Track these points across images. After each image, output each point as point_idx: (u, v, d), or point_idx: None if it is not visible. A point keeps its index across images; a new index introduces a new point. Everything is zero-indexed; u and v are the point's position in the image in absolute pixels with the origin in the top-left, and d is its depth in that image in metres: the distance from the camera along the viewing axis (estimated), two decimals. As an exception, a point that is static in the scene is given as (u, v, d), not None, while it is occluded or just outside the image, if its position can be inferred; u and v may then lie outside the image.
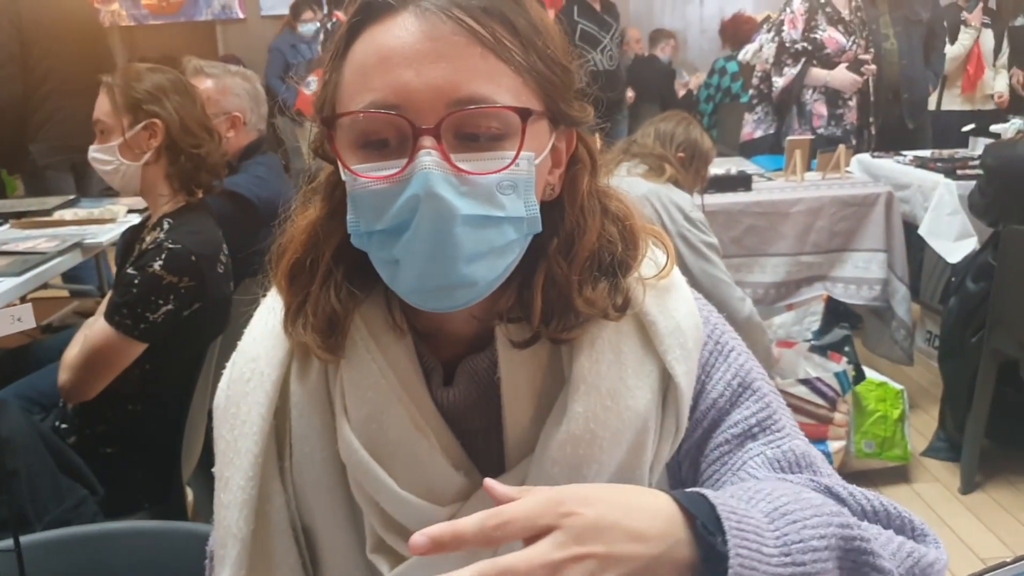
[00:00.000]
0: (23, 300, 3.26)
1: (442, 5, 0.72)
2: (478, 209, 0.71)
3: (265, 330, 0.87)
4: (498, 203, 0.72)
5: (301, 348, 0.83)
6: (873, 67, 4.13)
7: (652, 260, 0.85)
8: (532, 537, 0.62)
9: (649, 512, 0.64)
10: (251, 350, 0.87)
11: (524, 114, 0.72)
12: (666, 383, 0.82)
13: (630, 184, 2.55)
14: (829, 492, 0.76)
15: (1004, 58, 5.46)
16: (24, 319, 1.24)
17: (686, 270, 2.29)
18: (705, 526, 0.63)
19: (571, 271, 0.79)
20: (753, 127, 4.42)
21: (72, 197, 3.72)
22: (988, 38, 5.53)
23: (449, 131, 0.71)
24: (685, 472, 0.87)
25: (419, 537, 0.61)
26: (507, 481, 0.79)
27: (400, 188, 0.71)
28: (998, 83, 5.44)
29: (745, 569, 0.62)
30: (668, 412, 0.82)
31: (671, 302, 0.84)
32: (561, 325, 0.79)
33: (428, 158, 0.70)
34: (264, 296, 0.91)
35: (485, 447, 0.83)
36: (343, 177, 0.76)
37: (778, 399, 0.87)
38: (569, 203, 0.81)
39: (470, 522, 0.61)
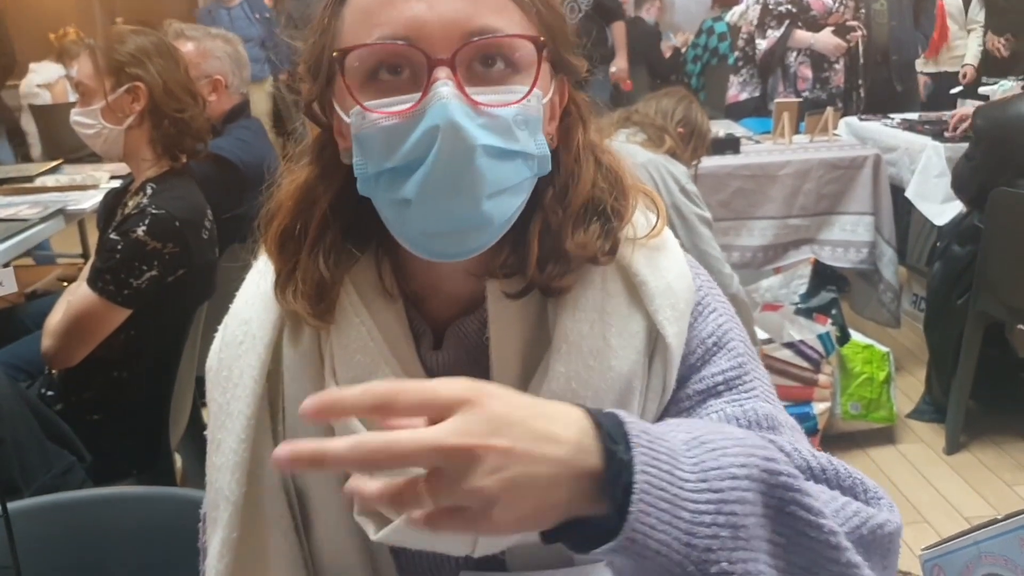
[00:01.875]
0: (6, 267, 3.24)
1: None
2: (497, 141, 0.70)
3: (257, 293, 0.87)
4: (514, 136, 0.71)
5: (293, 313, 0.82)
6: (859, 33, 4.10)
7: (643, 217, 0.85)
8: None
9: (560, 417, 0.60)
10: (243, 312, 0.86)
11: (540, 44, 0.72)
12: (653, 343, 0.81)
13: (629, 151, 2.54)
14: (773, 444, 0.73)
15: (980, 16, 5.11)
16: (6, 283, 1.22)
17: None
18: (611, 436, 0.60)
19: (565, 217, 0.79)
20: (739, 89, 4.40)
21: (56, 163, 3.68)
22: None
23: (463, 64, 0.70)
24: None
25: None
26: None
27: (414, 122, 0.69)
28: (970, 46, 5.14)
29: (654, 488, 0.58)
30: (655, 372, 0.81)
31: (663, 261, 0.83)
32: (555, 272, 0.78)
33: (445, 88, 0.68)
34: (255, 260, 0.90)
35: None
36: (347, 119, 0.73)
37: (755, 362, 0.85)
38: (564, 151, 0.81)
39: (354, 392, 0.58)
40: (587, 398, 0.77)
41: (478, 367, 0.81)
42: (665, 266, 0.83)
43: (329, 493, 0.84)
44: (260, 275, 0.87)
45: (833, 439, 2.96)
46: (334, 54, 0.73)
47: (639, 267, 0.82)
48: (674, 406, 0.82)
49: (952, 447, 2.94)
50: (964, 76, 4.95)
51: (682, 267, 0.85)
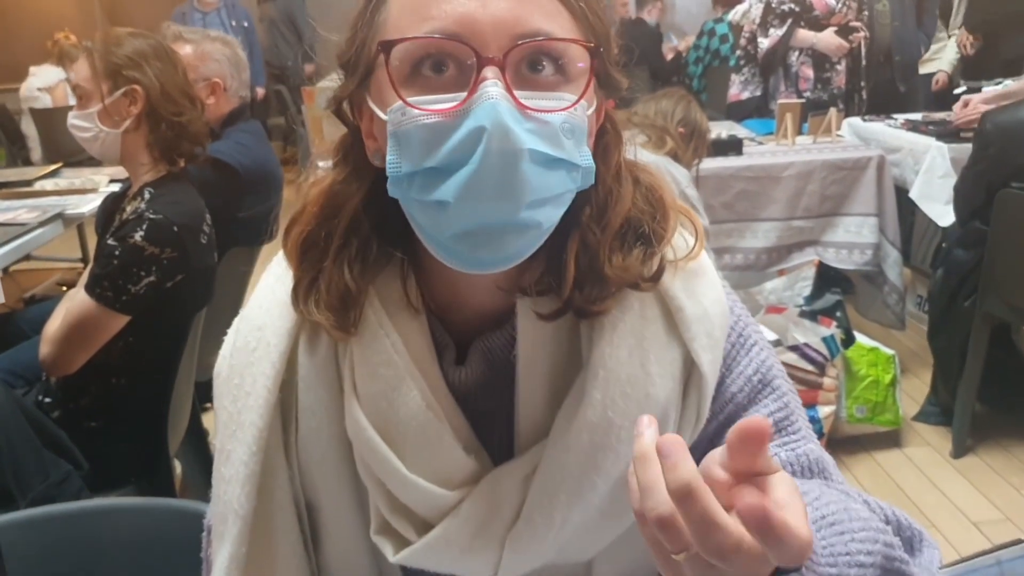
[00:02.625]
0: (5, 271, 3.22)
1: None
2: (544, 147, 0.67)
3: (272, 298, 0.84)
4: (561, 144, 0.69)
5: (312, 323, 0.80)
6: (862, 34, 4.08)
7: (682, 238, 0.82)
8: None
9: None
10: (257, 318, 0.83)
11: (594, 50, 0.70)
12: (688, 371, 0.79)
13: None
14: (887, 520, 0.75)
15: (958, 19, 4.88)
16: (-4, 294, 1.20)
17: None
18: None
19: (604, 238, 0.76)
20: (740, 88, 4.38)
21: (55, 167, 3.67)
22: None
23: (512, 66, 0.68)
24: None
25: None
26: (519, 466, 0.77)
27: (458, 121, 0.66)
28: (947, 53, 4.91)
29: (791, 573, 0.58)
30: (689, 401, 0.79)
31: (700, 287, 0.81)
32: (592, 295, 0.76)
33: (495, 89, 0.65)
34: (253, 264, 0.88)
35: (495, 430, 0.80)
36: (384, 117, 0.70)
37: (795, 399, 0.84)
38: (603, 169, 0.78)
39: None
40: (623, 427, 0.75)
41: (503, 385, 0.79)
42: (702, 292, 0.80)
43: (341, 509, 0.82)
44: (276, 280, 0.85)
45: (839, 443, 2.93)
46: (376, 46, 0.70)
47: (677, 292, 0.79)
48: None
49: (959, 450, 2.92)
50: (937, 82, 4.88)
51: (718, 293, 0.82)
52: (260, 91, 6.69)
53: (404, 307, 0.78)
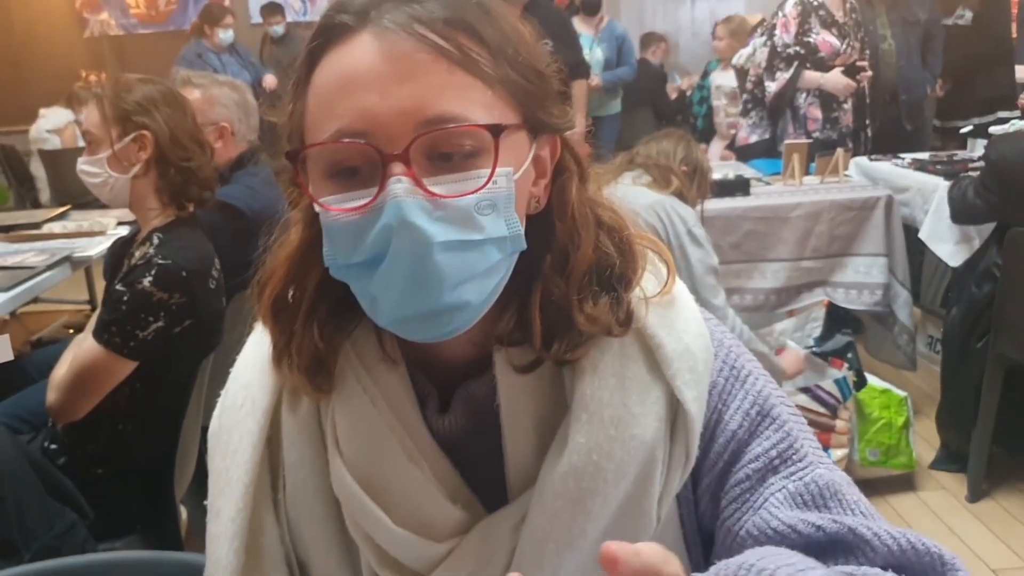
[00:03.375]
0: (13, 315, 3.22)
1: (402, 22, 0.68)
2: (455, 234, 0.67)
3: (258, 355, 0.84)
4: (477, 225, 0.68)
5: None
6: (869, 73, 4.09)
7: (652, 274, 0.81)
8: None
9: None
10: (244, 376, 0.84)
11: (495, 130, 0.68)
12: (675, 409, 0.77)
13: (636, 194, 2.51)
14: (853, 534, 0.72)
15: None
16: (1, 352, 1.19)
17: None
18: None
19: (569, 287, 0.75)
20: (748, 131, 4.39)
21: (63, 209, 3.67)
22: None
23: (420, 154, 0.67)
24: (704, 508, 0.82)
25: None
26: (508, 514, 0.76)
27: (373, 218, 0.67)
28: None
29: None
30: (677, 440, 0.77)
31: (679, 322, 0.79)
32: (564, 345, 0.75)
33: (399, 186, 0.66)
34: (251, 317, 0.88)
35: (487, 477, 0.79)
36: (316, 209, 0.72)
37: (798, 422, 0.82)
38: (559, 215, 0.77)
39: None
40: (609, 470, 0.74)
41: (490, 434, 0.78)
42: (681, 327, 0.79)
43: (332, 566, 0.81)
44: (262, 334, 0.84)
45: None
46: (287, 151, 0.72)
47: (655, 329, 0.78)
48: (735, 487, 0.79)
49: (975, 495, 2.87)
50: None
51: (699, 326, 0.81)
52: (270, 79, 6.65)
53: (381, 359, 0.78)
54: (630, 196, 2.45)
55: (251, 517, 0.79)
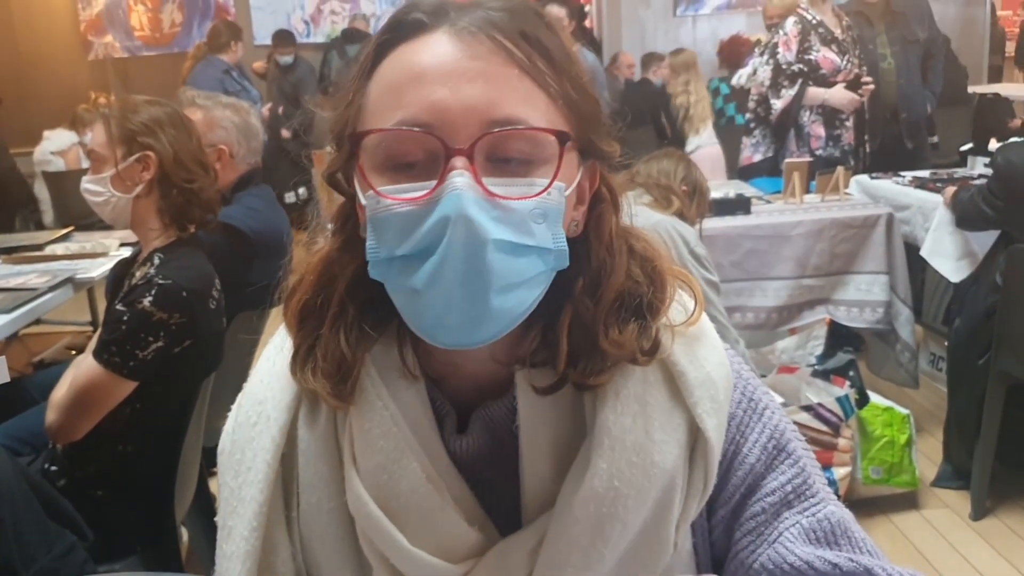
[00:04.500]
0: (15, 336, 3.22)
1: (480, 25, 0.70)
2: (510, 235, 0.68)
3: (273, 371, 0.83)
4: (529, 231, 0.69)
5: (310, 393, 0.79)
6: (872, 86, 4.11)
7: (680, 304, 0.81)
8: None
9: None
10: (258, 392, 0.83)
11: (563, 137, 0.70)
12: (694, 437, 0.78)
13: (637, 213, 2.52)
14: (869, 574, 0.74)
15: None
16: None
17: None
18: None
19: (598, 312, 0.75)
20: (752, 151, 4.39)
21: (65, 231, 3.69)
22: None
23: (482, 153, 0.68)
24: (716, 538, 0.83)
25: None
26: (525, 538, 0.75)
27: (428, 210, 0.67)
28: None
29: None
30: (696, 468, 0.78)
31: (701, 351, 0.80)
32: (588, 369, 0.75)
33: (460, 179, 0.66)
34: (262, 333, 0.88)
35: (500, 500, 0.78)
36: (363, 201, 0.72)
37: (811, 460, 0.83)
38: (596, 241, 0.78)
39: None
40: (630, 496, 0.74)
41: (507, 456, 0.78)
42: (704, 356, 0.80)
43: None
44: (277, 351, 0.84)
45: (855, 505, 2.86)
46: (351, 134, 0.72)
47: (678, 357, 0.78)
48: (750, 520, 0.80)
49: (978, 512, 2.86)
50: None
51: (721, 356, 0.82)
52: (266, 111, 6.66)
53: (401, 375, 0.78)
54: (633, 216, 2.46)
55: (264, 536, 0.78)
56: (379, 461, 0.75)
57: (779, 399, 2.76)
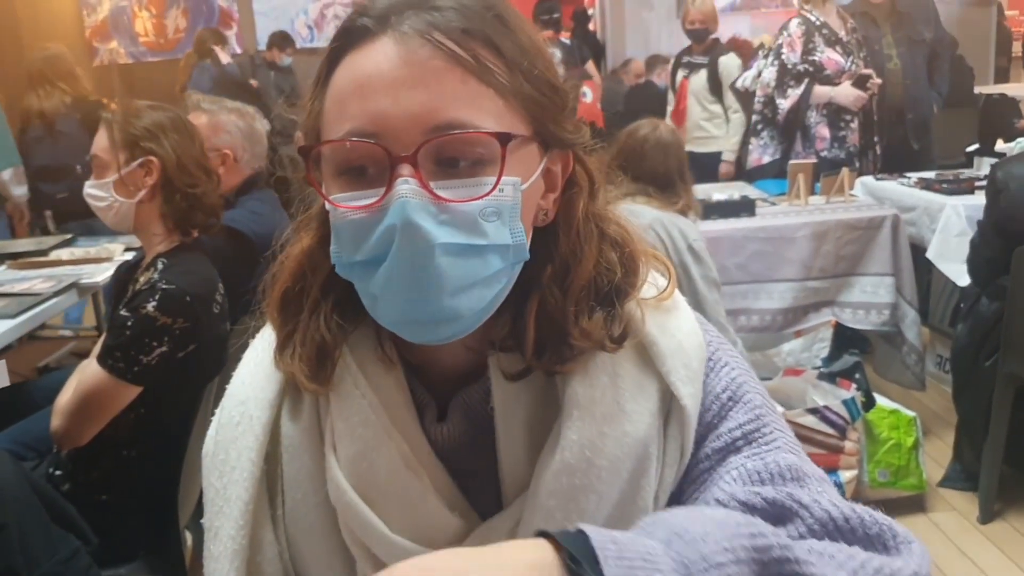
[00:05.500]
0: (20, 341, 3.22)
1: (421, 28, 0.70)
2: (458, 237, 0.69)
3: (255, 370, 0.84)
4: (481, 231, 0.70)
5: (293, 385, 0.80)
6: (879, 80, 4.09)
7: (652, 284, 0.82)
8: None
9: (501, 563, 0.56)
10: (239, 393, 0.84)
11: (503, 139, 0.69)
12: (667, 406, 0.78)
13: (636, 211, 2.51)
14: (791, 498, 0.70)
15: (735, 104, 4.89)
16: (-1, 377, 1.19)
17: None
18: (573, 557, 0.56)
19: (566, 300, 0.76)
20: (760, 152, 4.38)
21: (68, 236, 3.69)
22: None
23: (428, 158, 0.69)
24: (672, 495, 0.81)
25: None
26: (504, 520, 0.76)
27: (378, 218, 0.69)
28: (730, 137, 4.90)
29: None
30: (671, 436, 0.77)
31: (672, 322, 0.81)
32: (555, 357, 0.76)
33: (405, 186, 0.67)
34: (253, 336, 0.88)
35: (482, 486, 0.79)
36: (327, 207, 0.74)
37: (773, 413, 0.80)
38: (564, 229, 0.78)
39: None
40: (603, 467, 0.74)
41: (487, 442, 0.78)
42: (675, 326, 0.80)
43: None
44: (260, 351, 0.85)
45: (862, 508, 2.86)
46: (301, 147, 0.74)
47: (649, 328, 0.79)
48: (694, 467, 0.78)
49: (986, 515, 2.84)
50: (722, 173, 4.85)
51: (692, 325, 0.82)
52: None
53: (378, 361, 0.79)
54: (629, 214, 2.45)
55: (250, 535, 0.79)
56: (358, 448, 0.76)
57: (780, 408, 2.77)
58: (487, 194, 0.69)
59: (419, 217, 0.67)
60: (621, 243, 0.81)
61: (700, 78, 5.01)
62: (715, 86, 4.95)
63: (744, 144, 4.66)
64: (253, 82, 6.74)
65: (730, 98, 4.90)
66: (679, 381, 0.77)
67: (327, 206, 0.73)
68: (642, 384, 0.77)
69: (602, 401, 0.75)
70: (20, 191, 4.45)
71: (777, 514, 0.70)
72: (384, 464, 0.75)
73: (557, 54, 5.48)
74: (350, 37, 0.72)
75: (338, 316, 0.79)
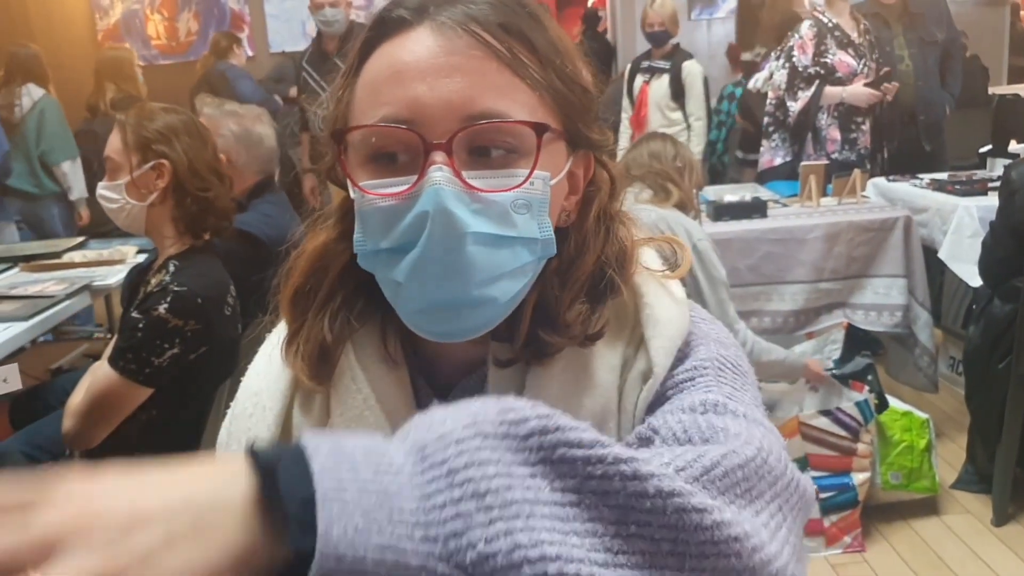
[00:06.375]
0: (33, 343, 3.24)
1: (459, 19, 0.70)
2: (490, 227, 0.69)
3: (268, 362, 0.85)
4: (511, 222, 0.70)
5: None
6: (895, 84, 4.07)
7: (659, 258, 0.83)
8: None
9: (162, 482, 0.49)
10: (253, 384, 0.85)
11: (540, 129, 0.70)
12: (630, 365, 0.77)
13: (639, 212, 2.51)
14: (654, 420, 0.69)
15: (700, 111, 4.88)
16: (10, 380, 1.20)
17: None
18: (263, 457, 0.50)
19: (563, 294, 0.76)
20: (771, 155, 4.36)
21: (81, 239, 3.71)
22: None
23: (461, 147, 0.69)
24: None
25: None
26: None
27: (409, 205, 0.69)
28: (693, 143, 4.77)
29: (349, 487, 0.48)
30: (628, 397, 0.76)
31: (666, 298, 0.80)
32: (541, 350, 0.76)
33: (439, 174, 0.67)
34: (269, 332, 0.89)
35: None
36: (352, 195, 0.73)
37: (730, 371, 0.76)
38: (575, 227, 0.79)
39: None
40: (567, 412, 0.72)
41: None
42: (668, 303, 0.79)
43: None
44: (274, 343, 0.86)
45: (875, 510, 2.86)
46: (333, 131, 0.74)
47: (645, 290, 0.79)
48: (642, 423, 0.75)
49: (1000, 518, 2.83)
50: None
51: (682, 309, 0.79)
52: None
53: (382, 360, 0.79)
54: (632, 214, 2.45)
55: None
56: None
57: (796, 410, 2.75)
58: (519, 185, 0.70)
59: (452, 204, 0.67)
60: (623, 240, 0.81)
61: (662, 84, 4.84)
62: (677, 92, 4.81)
63: (749, 146, 4.63)
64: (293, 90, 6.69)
65: (693, 105, 4.80)
66: (662, 348, 0.75)
67: (353, 193, 0.73)
68: (611, 346, 0.77)
69: (560, 378, 0.75)
70: (79, 187, 4.54)
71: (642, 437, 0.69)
72: None
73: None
74: (385, 27, 0.73)
75: (343, 314, 0.80)
